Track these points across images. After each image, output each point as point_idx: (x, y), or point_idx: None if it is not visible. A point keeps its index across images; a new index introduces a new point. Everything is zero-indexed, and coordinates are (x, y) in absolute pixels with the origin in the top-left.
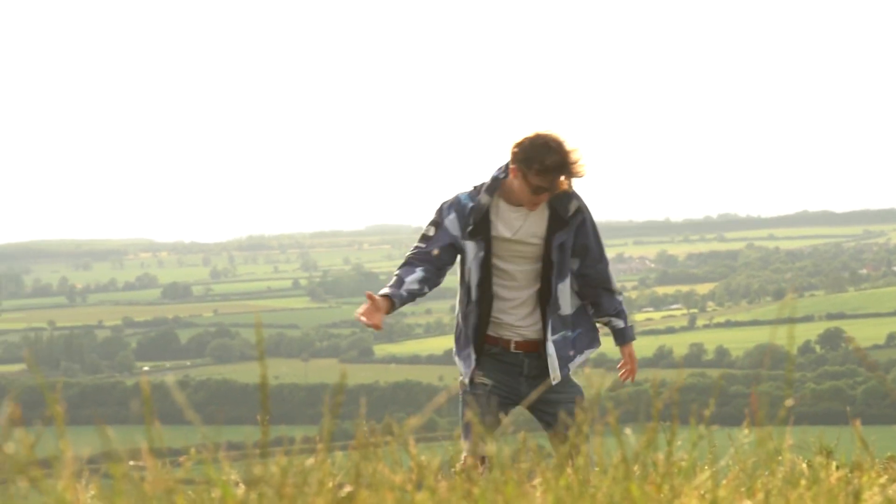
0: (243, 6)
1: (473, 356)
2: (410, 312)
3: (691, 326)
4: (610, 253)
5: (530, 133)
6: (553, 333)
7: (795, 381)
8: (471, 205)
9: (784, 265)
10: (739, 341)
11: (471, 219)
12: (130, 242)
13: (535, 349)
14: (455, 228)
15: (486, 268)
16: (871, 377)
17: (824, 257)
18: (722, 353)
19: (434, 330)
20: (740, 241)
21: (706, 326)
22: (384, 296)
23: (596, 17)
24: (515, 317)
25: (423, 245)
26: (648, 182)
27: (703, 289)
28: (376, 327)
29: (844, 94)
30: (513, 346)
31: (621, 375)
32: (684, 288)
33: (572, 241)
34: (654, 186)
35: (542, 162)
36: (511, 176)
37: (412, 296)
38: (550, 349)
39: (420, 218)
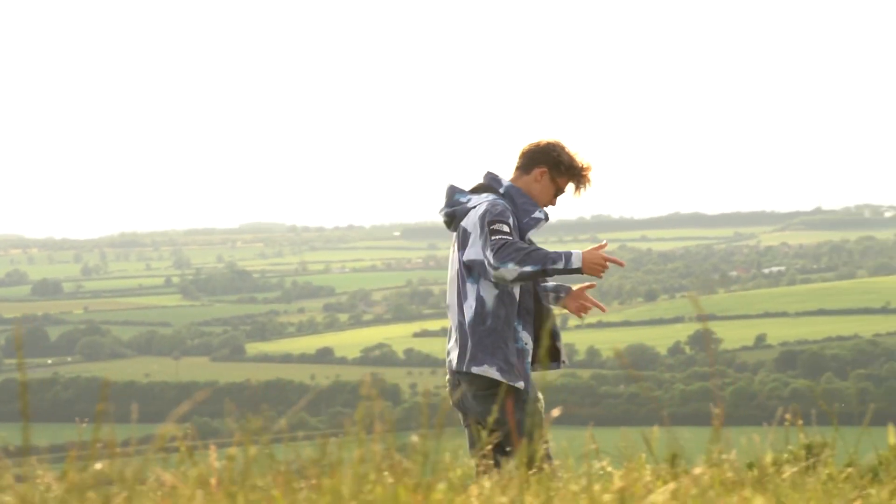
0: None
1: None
2: (283, 311)
3: (563, 327)
4: None
5: (550, 139)
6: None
7: (665, 382)
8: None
9: (656, 266)
10: (611, 342)
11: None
12: (0, 238)
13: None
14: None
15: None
16: (739, 378)
17: (695, 259)
18: (593, 353)
19: (306, 329)
20: (613, 242)
21: (577, 327)
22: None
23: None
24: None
25: (511, 236)
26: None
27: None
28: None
29: (723, 97)
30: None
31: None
32: None
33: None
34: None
35: (574, 166)
36: (536, 178)
37: None
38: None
39: (294, 217)
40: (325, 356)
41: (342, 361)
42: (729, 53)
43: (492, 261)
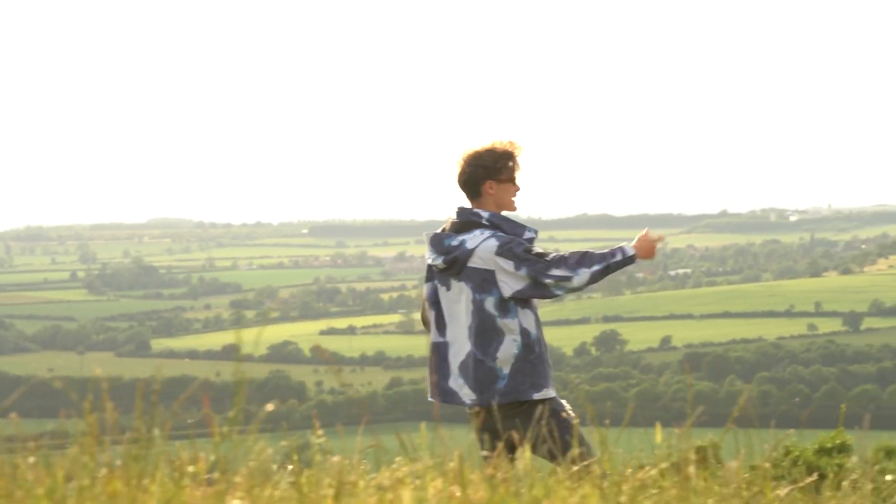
0: None
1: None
2: (189, 307)
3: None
4: (391, 251)
5: (463, 153)
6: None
7: (570, 383)
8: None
9: None
10: None
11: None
12: None
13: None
14: None
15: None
16: (644, 380)
17: None
18: None
19: (213, 325)
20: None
21: None
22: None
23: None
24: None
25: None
26: (431, 182)
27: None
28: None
29: (630, 99)
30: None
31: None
32: None
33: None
34: (435, 187)
35: (501, 157)
36: (490, 194)
37: None
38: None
39: (201, 213)
40: (231, 353)
41: (248, 358)
42: (634, 55)
43: (561, 274)
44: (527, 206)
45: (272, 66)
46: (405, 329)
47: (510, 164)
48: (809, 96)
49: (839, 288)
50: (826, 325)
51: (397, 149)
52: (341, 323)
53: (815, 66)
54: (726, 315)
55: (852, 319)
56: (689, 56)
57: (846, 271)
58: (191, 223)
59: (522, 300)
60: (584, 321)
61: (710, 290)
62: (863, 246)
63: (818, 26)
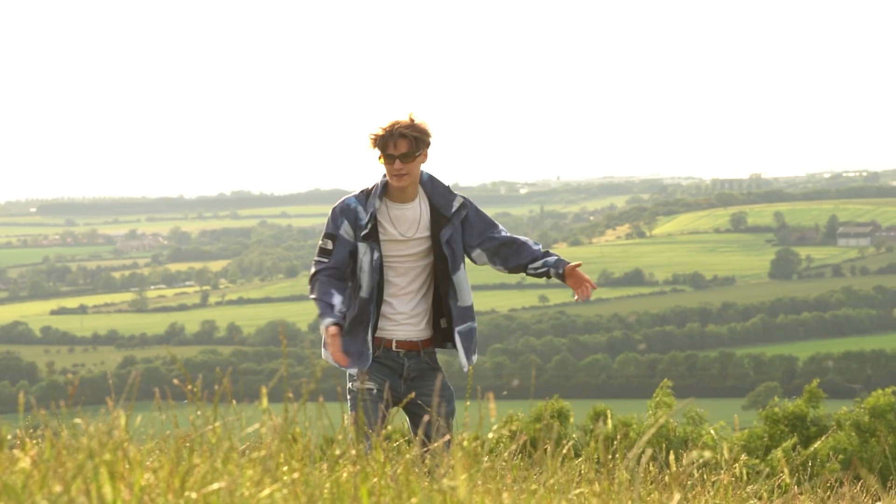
0: None
1: (370, 356)
2: None
3: (204, 304)
4: (122, 229)
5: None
6: (458, 324)
7: (306, 358)
8: (361, 209)
9: (297, 242)
10: (252, 318)
11: (364, 223)
12: None
13: (416, 349)
14: (350, 236)
15: (380, 270)
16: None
17: None
18: (234, 329)
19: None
20: (253, 218)
21: (218, 304)
22: (335, 325)
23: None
24: (401, 316)
25: (325, 260)
26: (160, 158)
27: (216, 266)
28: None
29: (355, 73)
30: (394, 344)
31: (582, 292)
32: (197, 265)
33: (460, 235)
34: (164, 163)
35: (380, 129)
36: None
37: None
38: (457, 339)
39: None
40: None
41: None
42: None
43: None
44: (259, 181)
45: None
46: (138, 307)
47: (378, 144)
48: (534, 72)
49: (568, 259)
50: (557, 297)
51: (125, 125)
52: (72, 302)
53: (544, 45)
54: None
55: None
56: (423, 30)
57: (575, 242)
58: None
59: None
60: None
61: None
62: (591, 217)
63: None
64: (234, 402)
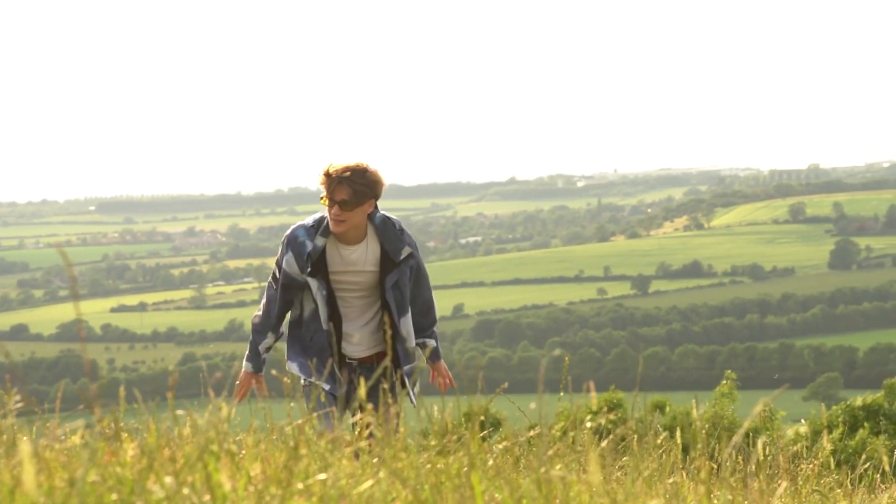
0: None
1: (324, 371)
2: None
3: (262, 300)
4: (181, 227)
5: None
6: (404, 364)
7: None
8: (308, 243)
9: None
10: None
11: (307, 259)
12: None
13: (370, 361)
14: (293, 267)
15: (332, 302)
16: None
17: None
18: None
19: (0, 305)
20: (308, 213)
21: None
22: (256, 374)
23: None
24: (359, 346)
25: (273, 286)
26: (219, 156)
27: (274, 262)
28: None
29: (414, 71)
30: (356, 363)
31: (441, 386)
32: (255, 261)
33: (407, 279)
34: (223, 161)
35: (328, 170)
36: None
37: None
38: (406, 381)
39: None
40: (19, 333)
41: (38, 338)
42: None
43: None
44: (315, 178)
45: (52, 40)
46: (197, 304)
47: (325, 176)
48: (592, 65)
49: (627, 252)
50: (615, 289)
51: (183, 123)
52: (132, 300)
53: (599, 37)
54: (517, 282)
55: (640, 282)
56: (477, 25)
57: (633, 235)
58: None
59: (310, 290)
60: None
61: (500, 258)
62: (648, 210)
63: None
64: (321, 394)
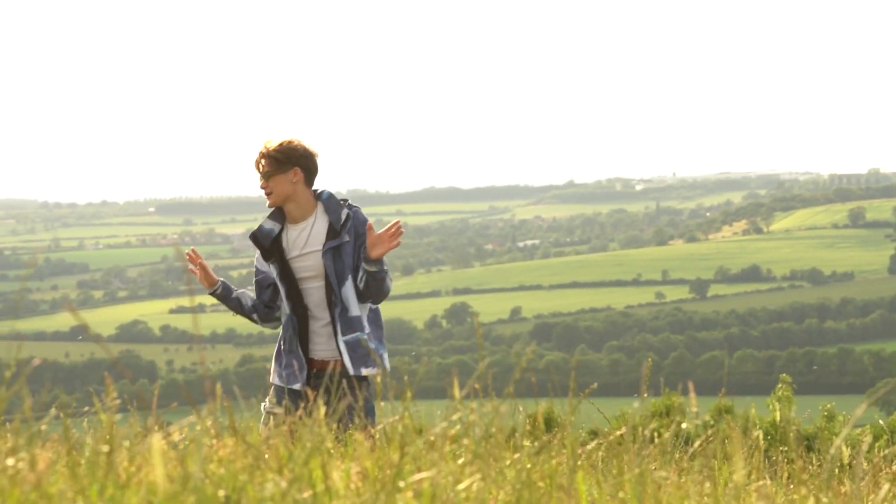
0: None
1: (300, 374)
2: (36, 288)
3: None
4: (239, 228)
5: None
6: (344, 335)
7: (422, 355)
8: (266, 235)
9: (412, 240)
10: None
11: (265, 247)
12: None
13: (324, 368)
14: (262, 263)
15: (295, 294)
16: (496, 351)
17: (451, 233)
18: None
19: (60, 306)
20: (368, 216)
21: None
22: (216, 280)
23: None
24: (316, 336)
25: (255, 289)
26: None
27: None
28: (193, 272)
29: (469, 75)
30: (315, 366)
31: (387, 237)
32: None
33: (351, 247)
34: None
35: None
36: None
37: (239, 303)
38: (342, 348)
39: (46, 193)
40: (79, 334)
41: (97, 339)
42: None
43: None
44: (375, 180)
45: (115, 43)
46: None
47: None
48: (652, 67)
49: (685, 256)
50: (673, 293)
51: (243, 125)
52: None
53: (658, 39)
54: (575, 285)
55: (699, 286)
56: (535, 34)
57: (691, 239)
58: (35, 203)
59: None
60: (434, 294)
61: (558, 261)
62: (707, 213)
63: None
64: (408, 394)
